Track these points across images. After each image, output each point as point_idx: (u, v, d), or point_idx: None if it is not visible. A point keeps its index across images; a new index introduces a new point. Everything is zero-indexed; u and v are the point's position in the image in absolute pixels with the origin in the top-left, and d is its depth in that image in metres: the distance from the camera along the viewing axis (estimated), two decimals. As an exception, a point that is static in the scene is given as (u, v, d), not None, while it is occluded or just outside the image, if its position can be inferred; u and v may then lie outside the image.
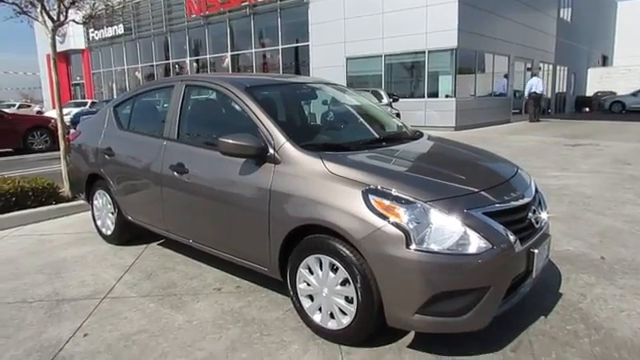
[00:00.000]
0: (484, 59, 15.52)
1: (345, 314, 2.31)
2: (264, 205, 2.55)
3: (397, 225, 2.08)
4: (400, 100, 13.34)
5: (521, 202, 2.39)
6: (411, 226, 2.07)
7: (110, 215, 3.97)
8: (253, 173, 2.64)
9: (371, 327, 2.26)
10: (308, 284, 2.46)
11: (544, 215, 2.63)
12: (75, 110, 17.54)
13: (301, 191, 2.41)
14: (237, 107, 2.91)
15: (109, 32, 25.17)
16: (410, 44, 13.97)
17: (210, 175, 2.94)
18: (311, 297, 2.47)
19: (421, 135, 3.30)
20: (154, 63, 23.52)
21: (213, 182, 2.90)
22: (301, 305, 2.51)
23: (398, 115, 10.68)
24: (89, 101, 22.21)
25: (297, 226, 2.41)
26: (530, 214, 2.40)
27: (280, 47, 17.94)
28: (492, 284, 2.11)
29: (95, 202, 4.14)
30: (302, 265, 2.45)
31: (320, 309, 2.43)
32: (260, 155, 2.60)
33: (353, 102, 3.75)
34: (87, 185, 4.16)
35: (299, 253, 2.45)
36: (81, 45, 27.20)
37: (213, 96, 3.17)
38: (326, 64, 16.01)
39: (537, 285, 3.01)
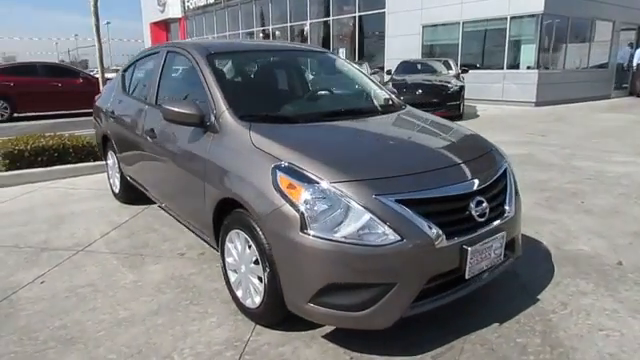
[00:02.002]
0: (581, 26, 13.57)
1: (257, 293, 2.22)
2: (202, 175, 2.50)
3: (294, 205, 1.90)
4: (476, 71, 12.29)
5: (457, 191, 2.04)
6: (308, 208, 1.88)
7: (117, 174, 4.21)
8: (197, 141, 2.59)
9: (279, 309, 2.13)
10: (234, 258, 2.40)
11: (507, 207, 2.26)
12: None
13: (227, 163, 2.32)
14: (197, 74, 2.85)
15: (202, 1, 26.35)
16: (490, 9, 12.60)
17: (169, 141, 2.94)
18: (236, 271, 2.41)
19: (398, 109, 2.97)
20: (240, 31, 24.23)
21: (172, 148, 2.91)
22: (228, 278, 2.46)
23: (462, 87, 9.83)
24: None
25: (221, 199, 2.33)
26: (472, 205, 2.06)
27: (357, 14, 17.39)
28: (398, 281, 1.86)
29: (108, 161, 4.42)
30: (228, 238, 2.38)
31: (242, 284, 2.36)
32: (201, 123, 2.54)
33: (338, 71, 3.47)
34: (103, 145, 4.45)
35: (226, 226, 2.38)
36: (178, 14, 28.89)
37: (183, 62, 3.14)
38: (401, 32, 15.18)
39: (513, 287, 2.66)
